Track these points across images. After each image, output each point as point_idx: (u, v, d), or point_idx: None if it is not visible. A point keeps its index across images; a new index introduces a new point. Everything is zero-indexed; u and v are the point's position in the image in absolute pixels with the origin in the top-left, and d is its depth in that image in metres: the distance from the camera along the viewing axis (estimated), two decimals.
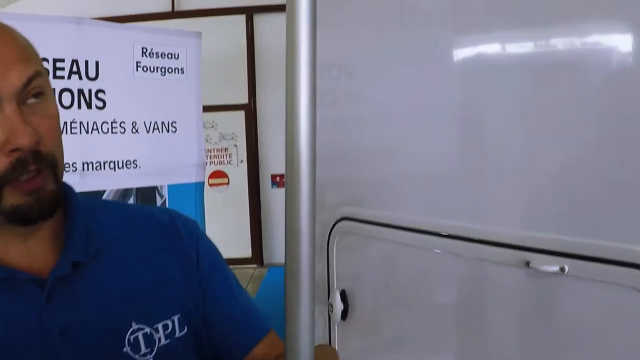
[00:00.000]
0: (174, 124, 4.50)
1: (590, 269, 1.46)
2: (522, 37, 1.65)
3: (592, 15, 1.49)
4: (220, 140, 8.84)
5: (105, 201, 1.60)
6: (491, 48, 1.76)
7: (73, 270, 1.20)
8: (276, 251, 8.78)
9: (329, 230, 2.28)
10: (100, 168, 4.16)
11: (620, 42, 1.45)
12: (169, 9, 9.02)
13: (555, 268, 1.52)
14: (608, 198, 1.47)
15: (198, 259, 1.42)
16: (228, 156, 8.93)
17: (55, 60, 3.98)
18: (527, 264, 1.57)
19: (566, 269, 1.50)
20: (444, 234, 1.84)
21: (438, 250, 1.88)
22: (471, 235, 1.73)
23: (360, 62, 2.24)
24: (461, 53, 1.84)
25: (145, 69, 4.34)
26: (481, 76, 1.75)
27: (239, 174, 9.04)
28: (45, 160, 1.13)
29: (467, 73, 1.81)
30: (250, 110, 8.89)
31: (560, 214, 1.57)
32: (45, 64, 3.90)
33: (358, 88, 2.28)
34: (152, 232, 1.40)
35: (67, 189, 1.29)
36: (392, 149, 2.10)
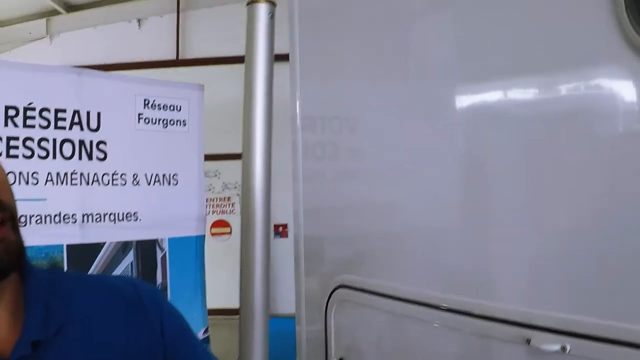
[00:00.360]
0: (175, 177, 4.49)
1: (592, 349, 1.42)
2: (526, 86, 1.62)
3: (599, 64, 1.46)
4: (223, 190, 8.80)
5: (67, 274, 1.60)
6: (495, 100, 1.73)
7: (34, 349, 1.18)
8: (278, 302, 8.66)
9: (327, 298, 2.24)
10: (101, 220, 4.13)
11: (627, 90, 1.41)
12: (174, 56, 9.05)
13: (557, 347, 1.47)
14: (611, 276, 1.43)
15: (162, 329, 1.40)
16: (231, 205, 8.87)
17: (56, 111, 3.98)
18: (528, 341, 1.53)
19: (568, 348, 1.46)
20: (443, 307, 1.79)
21: (437, 324, 1.83)
22: (471, 310, 1.69)
23: (362, 114, 2.21)
24: (465, 106, 1.82)
25: (147, 120, 4.34)
26: (485, 130, 1.72)
27: None
28: (7, 210, 1.16)
29: (471, 127, 1.79)
30: None
31: (563, 291, 1.53)
32: (46, 114, 3.93)
33: (359, 141, 2.25)
34: (115, 305, 1.39)
35: (25, 263, 1.27)
36: (392, 207, 2.09)
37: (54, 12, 9.66)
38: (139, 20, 9.39)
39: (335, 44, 2.37)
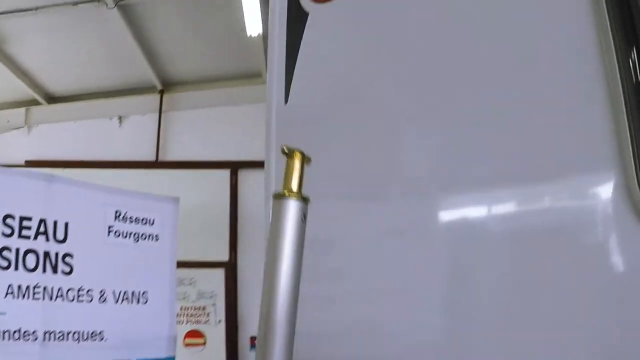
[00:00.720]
0: (144, 295, 4.22)
1: None
2: (507, 202, 1.60)
3: (581, 177, 1.41)
4: (198, 299, 8.59)
5: None
6: (476, 215, 1.70)
7: None
8: None
9: None
10: (63, 339, 3.84)
11: (610, 207, 1.34)
12: (153, 157, 8.97)
13: None
14: None
15: None
16: (206, 315, 8.65)
17: (21, 219, 3.74)
18: None
19: None
20: None
21: None
22: None
23: (342, 236, 2.11)
24: (447, 223, 1.78)
25: (117, 234, 4.12)
26: (469, 248, 1.68)
27: (216, 334, 8.67)
28: None
29: (454, 245, 1.73)
30: (231, 269, 8.67)
31: None
32: (10, 221, 3.69)
33: (340, 263, 2.11)
34: None
35: None
36: (373, 334, 1.97)
37: (35, 102, 9.62)
38: (120, 118, 9.34)
39: (312, 159, 2.26)
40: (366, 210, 2.03)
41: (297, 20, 2.34)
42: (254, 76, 9.00)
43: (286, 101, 2.35)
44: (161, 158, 9.05)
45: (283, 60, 2.36)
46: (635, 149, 1.24)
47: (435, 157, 1.81)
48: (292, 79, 2.32)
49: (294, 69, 2.31)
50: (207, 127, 8.92)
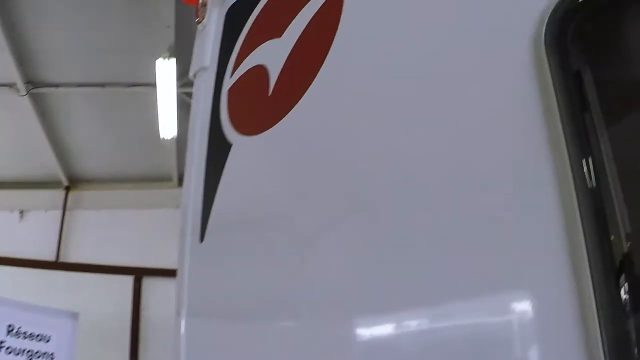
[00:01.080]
0: None
1: None
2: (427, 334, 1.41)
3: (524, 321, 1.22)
4: None
5: None
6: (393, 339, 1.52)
7: None
8: None
9: None
10: None
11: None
12: (54, 256, 8.68)
13: None
14: None
15: None
16: None
17: None
18: None
19: None
20: None
21: None
22: None
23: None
24: (359, 346, 1.61)
25: (9, 350, 3.84)
26: None
27: None
28: None
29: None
30: None
31: None
32: None
33: None
34: None
35: None
36: None
37: None
38: (21, 212, 9.05)
39: (224, 293, 2.21)
40: (276, 333, 1.90)
41: (218, 151, 2.29)
42: (165, 179, 8.90)
43: (201, 239, 2.27)
44: (62, 258, 8.78)
45: (200, 197, 2.30)
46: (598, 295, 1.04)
47: (351, 277, 1.67)
48: (209, 216, 2.26)
49: (211, 206, 2.25)
50: (112, 229, 8.73)
